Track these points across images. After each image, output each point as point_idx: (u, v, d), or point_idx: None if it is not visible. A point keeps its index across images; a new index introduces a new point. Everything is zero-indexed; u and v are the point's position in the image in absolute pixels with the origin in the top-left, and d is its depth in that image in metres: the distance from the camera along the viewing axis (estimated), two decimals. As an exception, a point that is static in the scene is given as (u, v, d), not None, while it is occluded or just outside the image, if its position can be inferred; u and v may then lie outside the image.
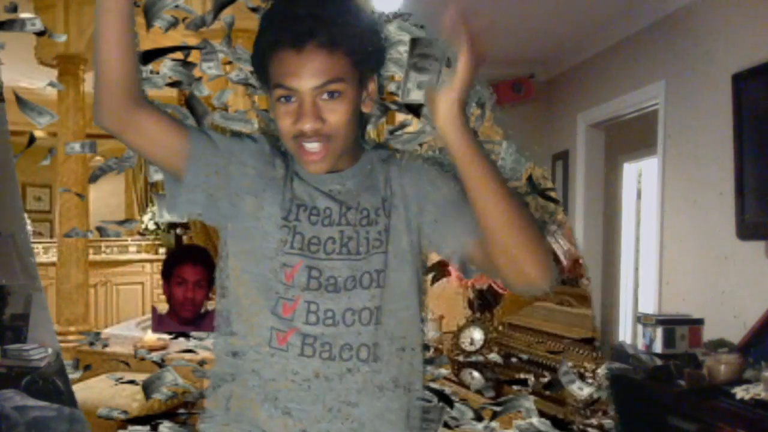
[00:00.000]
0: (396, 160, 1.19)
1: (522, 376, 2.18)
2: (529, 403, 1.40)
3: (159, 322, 3.76)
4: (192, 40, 1.56)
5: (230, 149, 1.14)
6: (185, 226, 5.17)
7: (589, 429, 1.75)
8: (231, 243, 1.15)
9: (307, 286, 1.10)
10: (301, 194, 1.14)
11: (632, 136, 4.17)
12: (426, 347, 1.69)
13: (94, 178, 1.75)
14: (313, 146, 1.07)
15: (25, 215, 7.14)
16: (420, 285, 1.17)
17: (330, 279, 1.10)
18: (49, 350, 3.99)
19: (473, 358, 2.45)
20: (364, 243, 1.11)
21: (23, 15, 1.70)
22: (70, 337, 4.24)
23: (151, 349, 2.88)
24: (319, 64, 1.04)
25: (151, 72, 1.51)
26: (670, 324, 2.76)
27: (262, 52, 1.09)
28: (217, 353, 1.21)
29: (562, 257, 2.58)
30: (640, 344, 2.88)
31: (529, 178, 1.47)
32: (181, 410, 2.04)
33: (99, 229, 2.18)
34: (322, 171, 1.10)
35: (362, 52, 1.09)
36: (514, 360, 2.35)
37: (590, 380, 1.92)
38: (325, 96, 1.06)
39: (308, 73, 1.04)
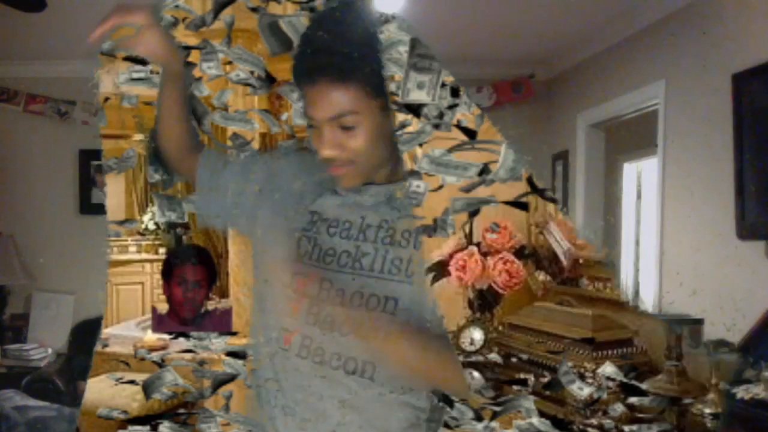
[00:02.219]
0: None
1: (522, 376, 2.18)
2: (529, 403, 1.40)
3: (159, 322, 3.76)
4: (192, 40, 1.55)
5: (255, 167, 1.24)
6: (185, 226, 5.16)
7: (589, 429, 1.75)
8: (256, 253, 1.21)
9: (318, 295, 1.10)
10: (327, 206, 1.16)
11: (632, 136, 4.17)
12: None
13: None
14: (337, 168, 1.10)
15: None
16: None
17: (338, 291, 1.10)
18: (49, 350, 3.98)
19: (473, 358, 2.45)
20: (380, 263, 1.11)
21: (23, 15, 1.69)
22: (71, 337, 4.24)
23: (151, 349, 2.88)
24: (331, 97, 1.07)
25: (151, 72, 1.50)
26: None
27: (296, 77, 1.13)
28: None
29: (562, 257, 2.58)
30: (640, 344, 2.89)
31: (529, 179, 1.47)
32: (181, 410, 2.04)
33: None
34: (352, 186, 1.13)
35: (373, 77, 1.10)
36: (514, 360, 2.34)
37: (590, 380, 1.92)
38: (341, 127, 1.08)
39: (322, 105, 1.07)
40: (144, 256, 7.32)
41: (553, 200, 1.41)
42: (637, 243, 4.44)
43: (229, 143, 1.76)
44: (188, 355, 2.23)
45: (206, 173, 1.25)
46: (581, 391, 1.44)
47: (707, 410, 1.82)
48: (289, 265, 1.14)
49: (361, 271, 1.11)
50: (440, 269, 2.66)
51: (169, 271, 2.39)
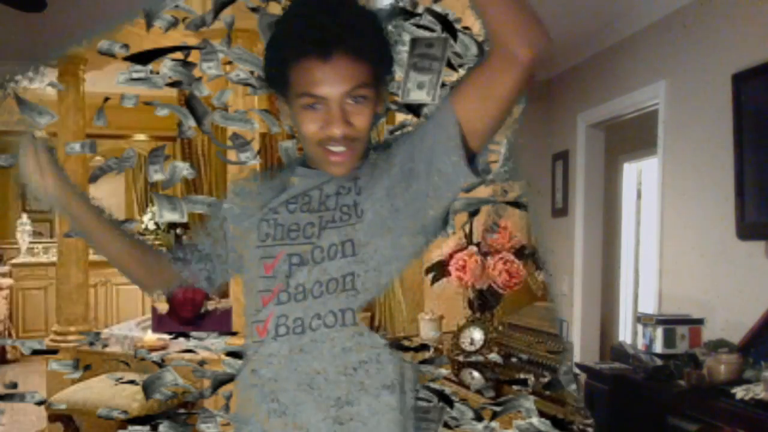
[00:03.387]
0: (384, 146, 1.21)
1: (522, 376, 2.18)
2: (529, 403, 1.40)
3: (159, 322, 3.77)
4: (192, 40, 1.56)
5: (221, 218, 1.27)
6: (185, 226, 5.16)
7: (589, 429, 1.75)
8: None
9: (288, 273, 1.12)
10: (287, 194, 1.17)
11: (632, 136, 4.17)
12: (425, 346, 1.69)
13: (94, 178, 1.74)
14: (339, 149, 1.10)
15: (25, 215, 7.16)
16: (411, 251, 1.15)
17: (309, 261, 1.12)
18: None
19: (473, 358, 2.45)
20: (332, 217, 1.12)
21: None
22: (70, 337, 4.24)
23: (151, 349, 2.88)
24: (346, 71, 1.07)
25: (151, 72, 1.51)
26: (670, 324, 2.76)
27: (281, 60, 1.11)
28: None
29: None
30: (640, 344, 2.89)
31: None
32: (181, 410, 2.04)
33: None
34: (345, 173, 1.13)
35: (382, 58, 1.13)
36: (514, 360, 2.34)
37: (590, 380, 1.92)
38: (351, 101, 1.08)
39: (336, 80, 1.07)
40: (144, 256, 7.31)
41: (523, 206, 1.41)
42: (637, 242, 4.45)
43: (229, 143, 1.76)
44: (188, 355, 2.23)
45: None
46: (581, 391, 1.43)
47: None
48: (255, 251, 1.16)
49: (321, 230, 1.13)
50: (440, 269, 2.66)
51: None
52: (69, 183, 1.14)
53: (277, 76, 1.13)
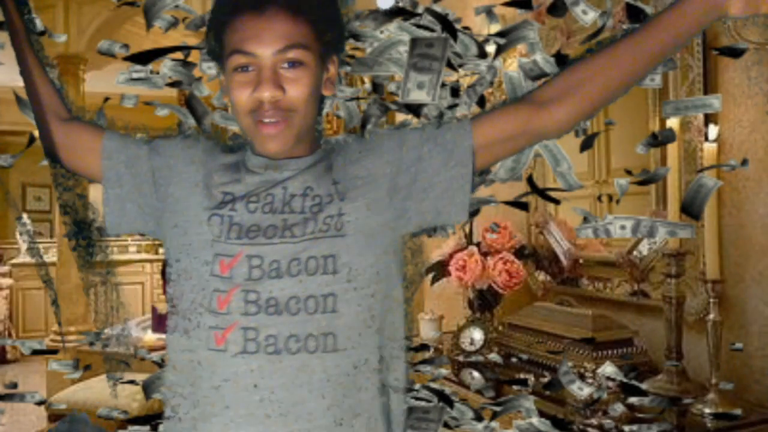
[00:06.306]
0: (355, 141, 1.14)
1: (522, 376, 2.18)
2: (529, 403, 1.40)
3: (159, 322, 3.77)
4: (192, 40, 1.55)
5: (147, 146, 1.16)
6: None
7: (589, 429, 1.75)
8: (170, 247, 1.10)
9: (248, 276, 1.01)
10: (242, 185, 1.08)
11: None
12: (425, 346, 1.69)
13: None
14: (270, 120, 1.01)
15: (25, 215, 7.19)
16: (398, 267, 1.09)
17: (273, 263, 1.01)
18: None
19: (473, 358, 2.45)
20: (312, 227, 1.03)
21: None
22: (70, 337, 4.24)
23: (151, 349, 2.88)
24: (280, 27, 1.00)
25: (151, 72, 1.50)
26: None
27: (219, 18, 1.05)
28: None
29: (562, 257, 2.58)
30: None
31: (529, 178, 1.47)
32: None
33: (99, 229, 2.17)
34: (281, 150, 1.04)
35: (325, 21, 1.05)
36: (514, 360, 2.34)
37: (590, 380, 1.92)
38: (286, 65, 1.01)
39: (269, 36, 0.99)
40: (144, 256, 7.34)
41: (554, 201, 1.41)
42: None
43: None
44: (188, 355, 2.22)
45: (118, 166, 1.15)
46: (581, 391, 1.43)
47: (707, 410, 1.82)
48: (208, 247, 1.04)
49: (292, 238, 1.02)
50: (440, 269, 2.66)
51: (169, 271, 2.38)
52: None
53: (216, 38, 1.06)
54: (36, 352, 1.67)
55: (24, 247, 6.94)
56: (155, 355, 1.81)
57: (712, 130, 1.99)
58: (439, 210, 1.10)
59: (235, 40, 1.02)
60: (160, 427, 1.74)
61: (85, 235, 1.26)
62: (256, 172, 1.09)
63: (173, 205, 1.10)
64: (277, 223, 1.03)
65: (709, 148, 2.00)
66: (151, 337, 3.75)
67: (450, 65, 1.30)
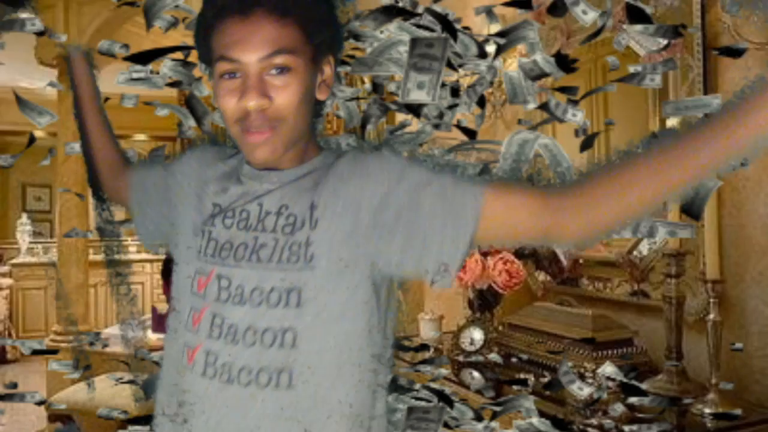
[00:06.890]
0: (352, 157, 1.04)
1: (522, 376, 2.18)
2: (529, 403, 1.40)
3: (159, 322, 3.76)
4: (192, 40, 1.55)
5: (165, 171, 1.22)
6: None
7: (589, 429, 1.75)
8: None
9: (217, 297, 0.99)
10: (228, 196, 1.06)
11: (632, 136, 4.16)
12: (425, 346, 1.69)
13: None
14: (255, 135, 0.97)
15: (25, 215, 7.16)
16: (374, 304, 0.99)
17: (238, 288, 0.98)
18: None
19: (473, 358, 2.45)
20: (278, 253, 0.97)
21: (23, 15, 1.70)
22: (71, 337, 4.24)
23: (151, 349, 2.88)
24: (266, 32, 0.94)
25: (151, 72, 1.50)
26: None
27: (205, 23, 1.00)
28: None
29: (562, 257, 2.58)
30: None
31: (530, 178, 1.47)
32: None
33: (99, 229, 2.17)
34: (268, 159, 0.99)
35: (315, 23, 0.99)
36: (514, 360, 2.34)
37: (590, 380, 1.92)
38: (273, 71, 0.96)
39: (254, 42, 0.94)
40: (144, 256, 7.33)
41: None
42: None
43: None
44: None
45: (139, 197, 1.28)
46: (581, 391, 1.43)
47: (707, 410, 1.82)
48: (192, 262, 1.05)
49: (258, 264, 0.97)
50: (440, 269, 2.65)
51: (168, 271, 2.39)
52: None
53: (203, 43, 1.02)
54: (36, 352, 1.67)
55: (24, 247, 6.94)
56: (155, 355, 1.81)
57: (712, 130, 1.98)
58: (427, 270, 0.98)
59: (221, 45, 0.97)
60: (160, 427, 1.74)
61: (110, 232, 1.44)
62: (243, 182, 1.07)
63: (176, 218, 1.14)
64: (248, 242, 0.99)
65: (709, 148, 2.00)
66: (151, 337, 3.74)
67: (450, 65, 1.30)
